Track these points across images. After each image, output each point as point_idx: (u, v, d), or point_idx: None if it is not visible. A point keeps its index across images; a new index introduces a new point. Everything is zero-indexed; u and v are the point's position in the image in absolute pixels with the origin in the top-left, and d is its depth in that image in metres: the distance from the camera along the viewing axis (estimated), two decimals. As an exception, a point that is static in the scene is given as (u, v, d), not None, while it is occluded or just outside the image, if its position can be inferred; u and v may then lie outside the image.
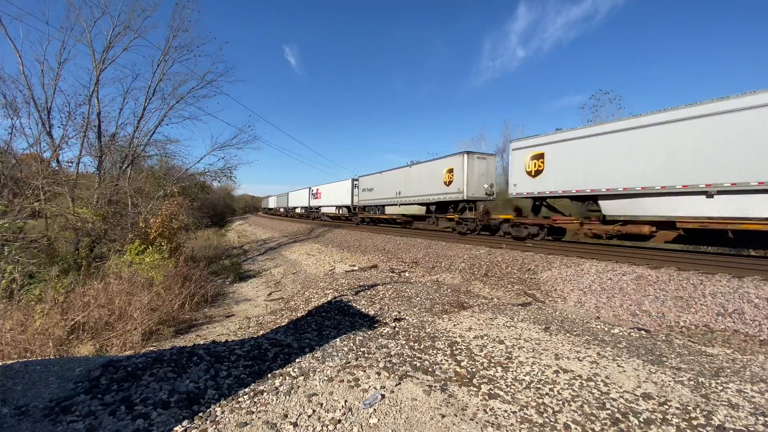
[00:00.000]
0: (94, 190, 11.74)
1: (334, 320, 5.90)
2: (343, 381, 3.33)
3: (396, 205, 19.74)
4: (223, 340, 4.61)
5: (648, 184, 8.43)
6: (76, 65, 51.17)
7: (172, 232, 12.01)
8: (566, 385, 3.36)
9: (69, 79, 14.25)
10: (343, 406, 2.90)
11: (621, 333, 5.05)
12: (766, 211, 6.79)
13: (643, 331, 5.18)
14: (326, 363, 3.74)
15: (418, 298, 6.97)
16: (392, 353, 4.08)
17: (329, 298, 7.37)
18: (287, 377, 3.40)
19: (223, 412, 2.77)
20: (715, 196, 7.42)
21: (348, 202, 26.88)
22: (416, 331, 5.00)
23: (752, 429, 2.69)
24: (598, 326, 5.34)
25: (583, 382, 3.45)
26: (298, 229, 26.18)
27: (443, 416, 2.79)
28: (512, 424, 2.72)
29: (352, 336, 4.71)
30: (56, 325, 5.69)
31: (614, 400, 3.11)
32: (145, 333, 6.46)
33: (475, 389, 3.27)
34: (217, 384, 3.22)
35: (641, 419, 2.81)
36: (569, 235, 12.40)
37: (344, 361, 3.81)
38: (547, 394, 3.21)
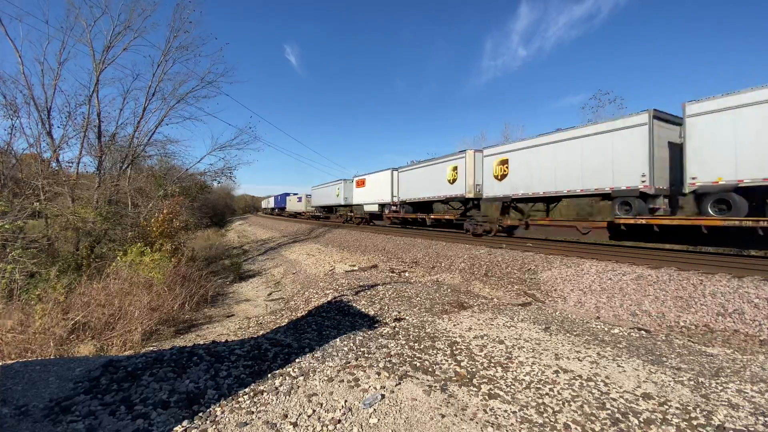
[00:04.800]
0: (94, 190, 11.75)
1: (334, 320, 5.90)
2: (343, 381, 3.33)
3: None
4: (223, 340, 4.61)
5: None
6: (76, 65, 51.06)
7: (173, 231, 12.01)
8: (566, 385, 3.36)
9: (69, 79, 14.28)
10: (343, 406, 2.90)
11: (621, 333, 5.05)
12: None
13: (643, 331, 5.18)
14: (326, 363, 3.74)
15: (418, 298, 6.96)
16: (392, 353, 4.08)
17: (329, 298, 7.37)
18: (287, 377, 3.40)
19: (223, 412, 2.77)
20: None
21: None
22: (416, 331, 5.00)
23: (752, 429, 2.69)
24: (598, 326, 5.34)
25: (583, 382, 3.45)
26: (298, 229, 26.19)
27: (443, 416, 2.79)
28: (512, 424, 2.72)
29: (352, 336, 4.71)
30: (56, 325, 5.69)
31: (614, 400, 3.11)
32: (145, 333, 6.46)
33: (475, 389, 3.27)
34: (217, 384, 3.22)
35: (641, 419, 2.81)
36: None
37: (344, 361, 3.81)
38: (547, 394, 3.21)
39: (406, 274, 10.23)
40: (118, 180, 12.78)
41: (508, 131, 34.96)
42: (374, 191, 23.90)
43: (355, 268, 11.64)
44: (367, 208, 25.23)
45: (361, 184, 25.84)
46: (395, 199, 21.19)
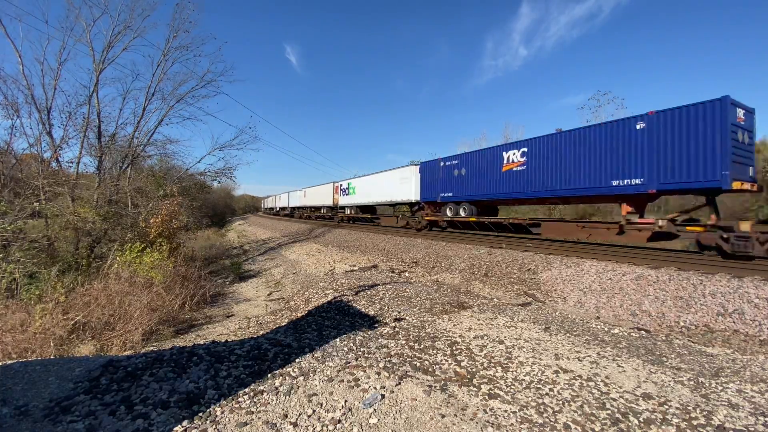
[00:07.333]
0: (94, 190, 11.74)
1: (334, 320, 5.89)
2: (343, 381, 3.33)
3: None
4: (223, 340, 4.61)
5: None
6: (76, 65, 50.96)
7: (172, 231, 12.00)
8: (566, 385, 3.36)
9: (69, 79, 14.23)
10: (343, 406, 2.90)
11: (621, 333, 5.05)
12: None
13: (643, 331, 5.18)
14: (326, 363, 3.74)
15: (418, 298, 6.96)
16: (392, 353, 4.08)
17: (329, 298, 7.37)
18: (287, 377, 3.40)
19: (223, 412, 2.77)
20: None
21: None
22: (416, 331, 5.00)
23: (752, 429, 2.69)
24: (598, 326, 5.34)
25: (583, 382, 3.45)
26: (298, 229, 26.18)
27: (443, 416, 2.79)
28: (512, 424, 2.72)
29: (352, 336, 4.71)
30: (56, 325, 5.69)
31: (614, 400, 3.11)
32: (145, 333, 6.46)
33: (475, 389, 3.27)
34: (217, 384, 3.22)
35: (641, 419, 2.81)
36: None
37: (344, 361, 3.81)
38: (547, 394, 3.21)
39: (406, 274, 10.23)
40: (118, 180, 12.77)
41: (508, 130, 34.92)
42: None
43: (355, 268, 11.64)
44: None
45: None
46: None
